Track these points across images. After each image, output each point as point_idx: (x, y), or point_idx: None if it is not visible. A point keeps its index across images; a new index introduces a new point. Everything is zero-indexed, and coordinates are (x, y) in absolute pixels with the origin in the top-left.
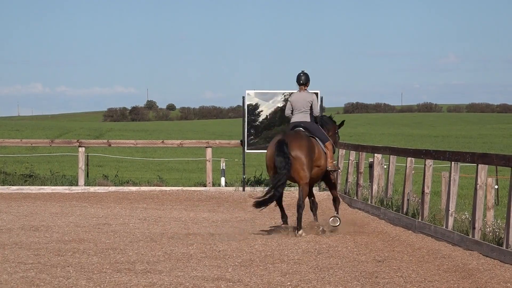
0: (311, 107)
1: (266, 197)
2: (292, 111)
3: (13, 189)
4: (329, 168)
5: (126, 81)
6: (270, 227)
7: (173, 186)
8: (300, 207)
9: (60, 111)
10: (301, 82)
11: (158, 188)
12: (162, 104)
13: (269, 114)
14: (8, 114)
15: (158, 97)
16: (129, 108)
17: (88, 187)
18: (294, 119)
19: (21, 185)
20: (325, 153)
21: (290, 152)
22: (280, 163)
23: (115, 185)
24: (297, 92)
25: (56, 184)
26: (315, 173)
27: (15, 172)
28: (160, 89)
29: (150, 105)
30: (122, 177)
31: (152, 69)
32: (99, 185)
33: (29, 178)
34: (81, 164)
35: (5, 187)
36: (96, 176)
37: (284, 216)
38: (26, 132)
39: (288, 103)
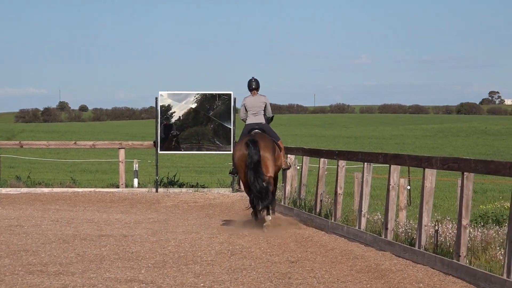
0: (264, 109)
1: (255, 195)
2: (247, 113)
3: None
4: (283, 166)
5: (38, 81)
6: (184, 228)
7: (86, 188)
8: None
9: None
10: (254, 87)
11: (70, 190)
12: (74, 105)
13: (182, 115)
14: None
15: (71, 98)
16: (41, 109)
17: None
18: (250, 120)
19: None
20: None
21: (259, 151)
22: (252, 158)
23: (28, 187)
24: (250, 96)
25: None
26: (276, 171)
27: None
28: (72, 90)
29: (62, 106)
30: (35, 179)
31: (64, 70)
32: (11, 187)
33: None
34: None
35: None
36: (8, 178)
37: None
38: None
39: (242, 107)
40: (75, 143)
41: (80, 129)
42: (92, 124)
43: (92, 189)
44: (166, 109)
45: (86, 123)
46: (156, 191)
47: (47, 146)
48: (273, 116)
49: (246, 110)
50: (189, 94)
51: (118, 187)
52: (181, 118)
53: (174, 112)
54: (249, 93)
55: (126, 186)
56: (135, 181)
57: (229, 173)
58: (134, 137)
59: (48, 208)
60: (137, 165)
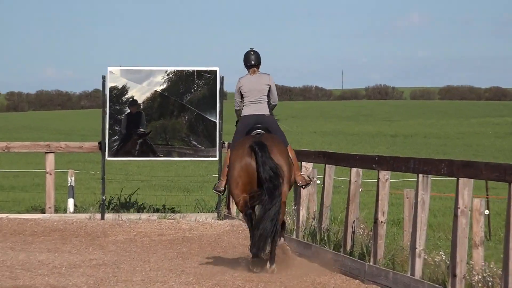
0: (268, 93)
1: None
2: (243, 101)
3: None
4: (299, 183)
5: None
6: (143, 275)
7: None
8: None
9: None
10: (252, 62)
11: None
12: None
13: (144, 102)
14: None
15: None
16: None
17: None
18: (248, 111)
19: None
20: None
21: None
22: (269, 173)
23: None
24: (247, 76)
25: None
26: (287, 191)
27: None
28: None
29: None
30: None
31: None
32: None
33: None
34: None
35: None
36: None
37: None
38: None
39: (237, 92)
40: None
41: None
42: (5, 116)
43: (2, 215)
44: (119, 93)
45: None
46: (102, 218)
47: None
48: (276, 105)
49: (242, 96)
50: (153, 72)
51: (44, 212)
52: (142, 106)
53: (131, 98)
54: (245, 71)
55: (56, 211)
56: (70, 202)
57: (214, 190)
58: (69, 136)
59: None
60: (73, 179)
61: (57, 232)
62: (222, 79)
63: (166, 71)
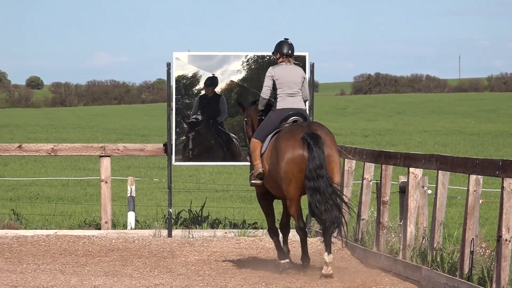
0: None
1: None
2: (275, 91)
3: None
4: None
5: None
6: None
7: (40, 229)
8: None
9: None
10: (289, 51)
11: (11, 233)
12: (18, 78)
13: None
14: None
15: (11, 65)
16: None
17: None
18: (283, 104)
19: None
20: None
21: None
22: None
23: None
24: (281, 65)
25: None
26: None
27: None
28: (14, 52)
29: None
30: None
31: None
32: None
33: None
34: None
35: None
36: None
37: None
38: None
39: (268, 79)
40: (19, 146)
41: (29, 121)
42: (51, 112)
43: (51, 232)
44: (187, 84)
45: (39, 109)
46: (169, 235)
47: None
48: (307, 101)
49: (274, 86)
50: (227, 58)
51: (100, 228)
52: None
53: (202, 90)
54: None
55: (115, 226)
56: (131, 216)
57: (252, 182)
58: (127, 136)
59: None
60: (133, 188)
61: (116, 252)
62: (312, 66)
63: (246, 57)
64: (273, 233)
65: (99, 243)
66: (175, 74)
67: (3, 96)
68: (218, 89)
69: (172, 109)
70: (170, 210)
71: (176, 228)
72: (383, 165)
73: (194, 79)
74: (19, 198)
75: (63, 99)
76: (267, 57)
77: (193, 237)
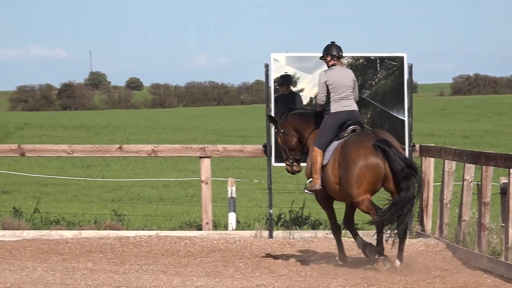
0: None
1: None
2: (329, 96)
3: None
4: None
5: (51, 37)
6: None
7: (142, 230)
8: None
9: None
10: (340, 53)
11: (113, 233)
12: (118, 79)
13: (316, 96)
14: None
15: (111, 66)
16: (58, 87)
17: None
18: (339, 107)
19: None
20: None
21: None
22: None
23: (35, 228)
24: (334, 69)
25: None
26: None
27: None
28: (114, 53)
29: (96, 80)
30: (48, 213)
31: (98, 20)
32: (4, 229)
33: None
34: None
35: None
36: (1, 211)
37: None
38: None
39: (323, 85)
40: (120, 147)
41: (129, 122)
42: (151, 113)
43: (152, 233)
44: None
45: (139, 110)
46: (270, 236)
47: (69, 153)
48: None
49: (328, 91)
50: None
51: (201, 229)
52: (313, 101)
53: (301, 91)
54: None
55: (216, 227)
56: (232, 217)
57: (307, 190)
58: (227, 137)
59: (74, 268)
60: (233, 189)
61: (217, 253)
62: (410, 67)
63: (349, 57)
64: (335, 231)
65: (200, 243)
66: (273, 75)
67: (103, 97)
68: (315, 90)
69: (270, 110)
70: (271, 211)
71: (277, 229)
72: (483, 166)
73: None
74: (120, 199)
75: (163, 100)
76: (364, 58)
77: (294, 238)
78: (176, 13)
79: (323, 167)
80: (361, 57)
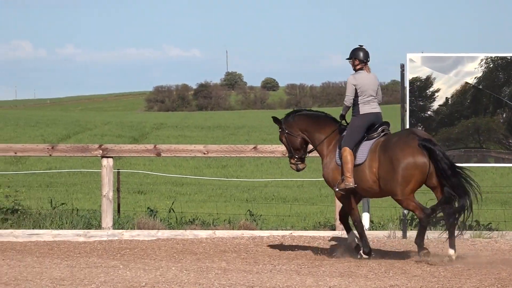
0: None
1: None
2: (356, 98)
3: None
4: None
5: (186, 38)
6: None
7: (275, 229)
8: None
9: (67, 92)
10: (367, 58)
11: (247, 233)
12: (253, 80)
13: (452, 97)
14: None
15: (247, 66)
16: (194, 87)
17: (119, 231)
18: (367, 109)
19: None
20: None
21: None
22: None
23: (169, 228)
24: (362, 73)
25: (61, 226)
26: None
27: None
28: (250, 53)
29: (232, 80)
30: (183, 213)
31: (232, 20)
32: (139, 228)
33: (12, 216)
34: (107, 190)
35: None
36: (134, 211)
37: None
38: (5, 130)
39: (352, 88)
40: (255, 148)
41: (265, 122)
42: (285, 113)
43: (286, 232)
44: (421, 86)
45: (275, 111)
46: (404, 236)
47: (205, 154)
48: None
49: (356, 93)
50: (461, 59)
51: (334, 229)
52: (449, 101)
53: (437, 91)
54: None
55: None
56: (366, 217)
57: (339, 189)
58: None
59: (208, 268)
60: None
61: (351, 253)
62: None
63: (480, 59)
64: (362, 227)
65: (333, 244)
66: (408, 75)
67: (239, 98)
68: (451, 90)
69: (406, 111)
70: (405, 211)
71: (411, 229)
72: None
73: (428, 81)
74: (255, 199)
75: (298, 100)
76: (504, 59)
77: (427, 238)
78: (312, 13)
79: (356, 166)
80: (500, 57)
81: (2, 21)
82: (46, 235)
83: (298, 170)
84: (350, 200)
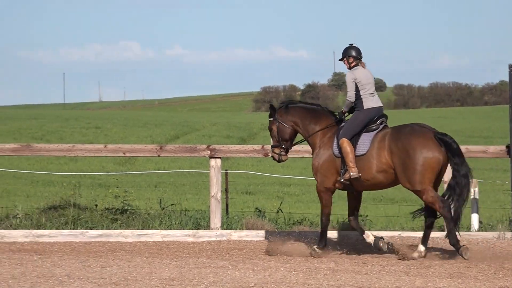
0: None
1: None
2: (358, 93)
3: (93, 235)
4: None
5: (293, 39)
6: None
7: (384, 230)
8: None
9: (175, 92)
10: (361, 55)
11: (355, 234)
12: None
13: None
14: (82, 98)
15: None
16: (301, 88)
17: (228, 231)
18: (371, 103)
19: (107, 228)
20: None
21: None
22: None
23: (278, 228)
24: (359, 69)
25: (169, 227)
26: None
27: (96, 205)
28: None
29: (340, 81)
30: (291, 214)
31: (340, 21)
32: (248, 228)
33: (121, 216)
34: (215, 190)
35: (79, 231)
36: (243, 212)
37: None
38: (114, 131)
39: (352, 84)
40: None
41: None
42: (394, 114)
43: (395, 233)
44: None
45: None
46: None
47: (312, 154)
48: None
49: (357, 88)
50: None
51: (443, 230)
52: None
53: None
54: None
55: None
56: (475, 218)
57: (344, 179)
58: (470, 138)
59: (316, 268)
60: (476, 190)
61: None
62: None
63: None
64: (326, 224)
65: (443, 244)
66: None
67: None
68: None
69: None
70: None
71: None
72: None
73: None
74: (364, 200)
75: (406, 101)
76: None
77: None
78: (419, 13)
79: (357, 156)
80: None
81: (111, 22)
82: (155, 235)
83: (279, 161)
84: (331, 196)
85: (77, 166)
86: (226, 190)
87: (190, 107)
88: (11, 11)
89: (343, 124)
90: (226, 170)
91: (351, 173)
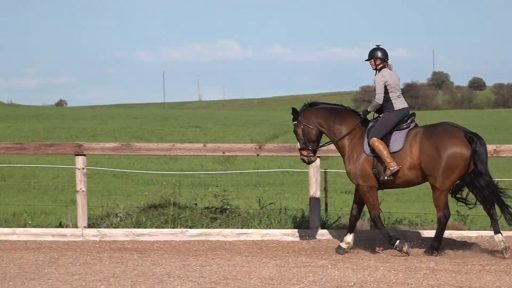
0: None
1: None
2: (387, 95)
3: (193, 234)
4: None
5: (393, 38)
6: None
7: (483, 230)
8: None
9: (274, 92)
10: (387, 57)
11: (455, 234)
12: (460, 79)
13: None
14: (181, 97)
15: (454, 66)
16: (401, 87)
17: (327, 230)
18: (401, 105)
19: (207, 226)
20: None
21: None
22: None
23: (376, 228)
24: (388, 71)
25: (269, 226)
26: None
27: (195, 204)
28: (457, 53)
29: (439, 80)
30: (390, 213)
31: (441, 19)
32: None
33: (221, 215)
34: (314, 189)
35: (179, 230)
36: (342, 211)
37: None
38: (214, 130)
39: (382, 85)
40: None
41: (472, 122)
42: (493, 113)
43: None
44: None
45: (482, 111)
46: None
47: None
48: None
49: (386, 90)
50: None
51: None
52: None
53: None
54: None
55: None
56: None
57: (387, 176)
58: None
59: (416, 268)
60: None
61: None
62: None
63: None
64: (380, 221)
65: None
66: None
67: (446, 97)
68: None
69: None
70: None
71: None
72: None
73: None
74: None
75: (505, 100)
76: None
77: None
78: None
79: (394, 153)
80: None
81: (210, 22)
82: (255, 234)
83: (309, 162)
84: (377, 195)
85: (176, 165)
86: (325, 189)
87: (289, 106)
88: (114, 12)
89: (371, 124)
90: (325, 169)
91: (392, 168)
